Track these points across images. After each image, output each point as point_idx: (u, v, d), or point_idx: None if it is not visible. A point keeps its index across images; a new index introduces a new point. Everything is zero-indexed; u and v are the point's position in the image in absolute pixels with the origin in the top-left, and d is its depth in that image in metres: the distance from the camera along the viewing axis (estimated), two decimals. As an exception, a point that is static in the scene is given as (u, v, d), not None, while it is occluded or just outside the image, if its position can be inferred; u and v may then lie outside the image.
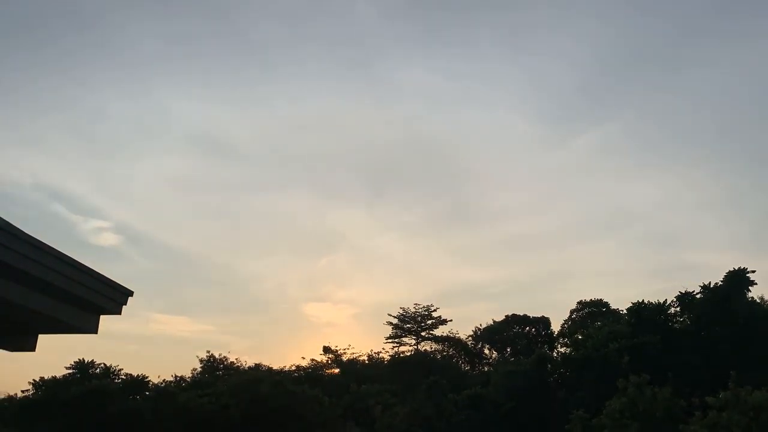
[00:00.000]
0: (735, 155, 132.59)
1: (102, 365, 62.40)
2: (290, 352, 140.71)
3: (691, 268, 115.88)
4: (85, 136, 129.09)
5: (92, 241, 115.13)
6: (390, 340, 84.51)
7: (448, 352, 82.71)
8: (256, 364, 67.19)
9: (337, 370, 73.15)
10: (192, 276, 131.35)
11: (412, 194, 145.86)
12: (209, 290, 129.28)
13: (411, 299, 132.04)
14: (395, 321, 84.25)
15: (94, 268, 5.86)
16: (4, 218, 4.82)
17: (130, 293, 6.38)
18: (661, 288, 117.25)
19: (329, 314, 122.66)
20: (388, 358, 79.12)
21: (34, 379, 57.21)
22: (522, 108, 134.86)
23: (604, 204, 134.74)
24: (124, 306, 6.41)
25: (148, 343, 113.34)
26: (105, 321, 6.46)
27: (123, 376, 61.46)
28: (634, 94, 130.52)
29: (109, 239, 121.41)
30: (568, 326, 78.17)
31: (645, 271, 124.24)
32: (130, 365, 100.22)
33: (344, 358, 75.10)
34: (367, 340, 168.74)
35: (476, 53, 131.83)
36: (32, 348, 6.61)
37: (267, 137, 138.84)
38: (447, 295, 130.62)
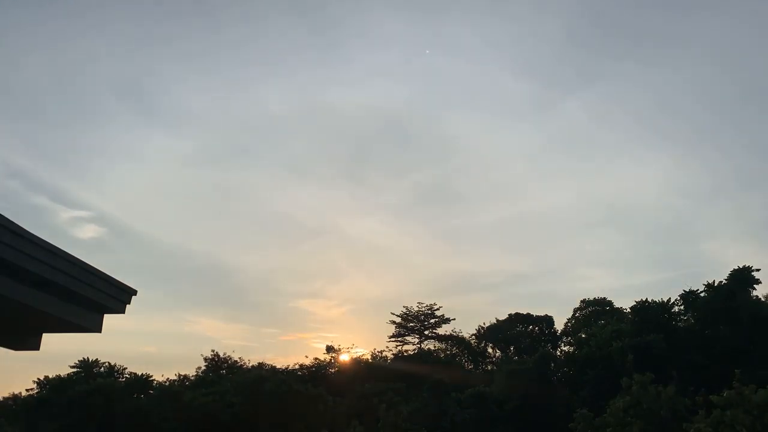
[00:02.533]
0: (739, 135, 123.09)
1: (106, 364, 62.58)
2: (282, 347, 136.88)
3: (698, 255, 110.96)
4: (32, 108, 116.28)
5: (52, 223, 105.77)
6: (393, 339, 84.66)
7: (451, 350, 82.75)
8: (259, 363, 67.38)
9: (344, 360, 73.26)
10: (176, 268, 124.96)
11: (392, 169, 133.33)
12: (197, 284, 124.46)
13: (402, 290, 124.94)
14: (398, 320, 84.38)
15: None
16: None
17: (134, 292, 6.40)
18: (666, 277, 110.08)
19: (320, 310, 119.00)
20: (392, 357, 79.21)
21: (38, 378, 57.48)
22: (507, 62, 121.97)
23: (603, 183, 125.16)
24: (127, 305, 6.44)
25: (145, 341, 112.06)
26: (107, 318, 6.50)
27: (127, 375, 61.62)
28: (620, 62, 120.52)
29: (85, 228, 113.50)
30: (572, 325, 78.16)
31: (649, 259, 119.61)
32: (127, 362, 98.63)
33: (348, 357, 75.22)
34: (359, 335, 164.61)
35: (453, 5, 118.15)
36: (36, 347, 6.64)
37: (224, 108, 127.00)
38: (441, 285, 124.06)
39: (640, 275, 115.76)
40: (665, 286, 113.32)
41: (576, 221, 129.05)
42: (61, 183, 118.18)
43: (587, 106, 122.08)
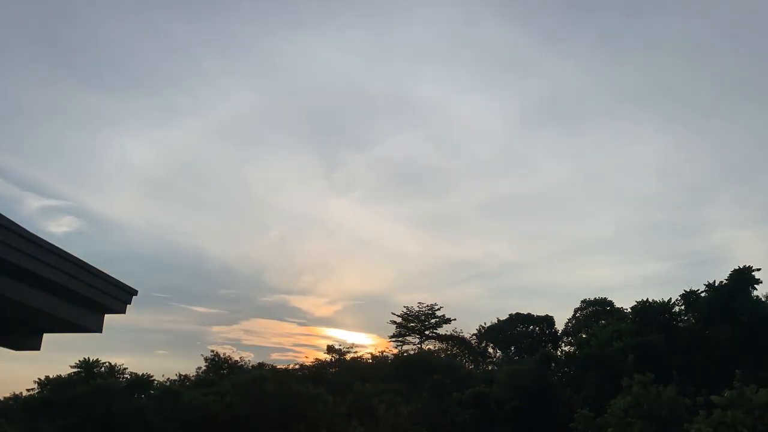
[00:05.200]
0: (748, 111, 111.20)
1: (107, 364, 62.57)
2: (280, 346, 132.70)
3: (703, 243, 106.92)
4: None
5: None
6: (394, 339, 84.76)
7: (452, 350, 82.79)
8: (260, 363, 67.44)
9: (344, 360, 73.12)
10: (157, 261, 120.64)
11: (356, 140, 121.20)
12: (183, 279, 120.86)
13: (393, 285, 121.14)
14: (399, 320, 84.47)
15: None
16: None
17: (135, 292, 6.40)
18: (670, 267, 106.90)
19: (312, 308, 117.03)
20: (392, 357, 79.23)
21: (39, 378, 57.47)
22: (486, 5, 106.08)
23: (598, 162, 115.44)
24: (128, 305, 6.44)
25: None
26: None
27: (128, 375, 61.62)
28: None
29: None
30: (572, 325, 78.19)
31: (651, 247, 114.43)
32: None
33: (348, 357, 75.24)
34: (357, 335, 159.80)
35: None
36: (37, 347, 6.63)
37: (163, 68, 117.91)
38: (432, 277, 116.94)
39: (642, 264, 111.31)
40: (669, 276, 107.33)
41: (571, 204, 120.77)
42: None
43: (579, 73, 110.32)
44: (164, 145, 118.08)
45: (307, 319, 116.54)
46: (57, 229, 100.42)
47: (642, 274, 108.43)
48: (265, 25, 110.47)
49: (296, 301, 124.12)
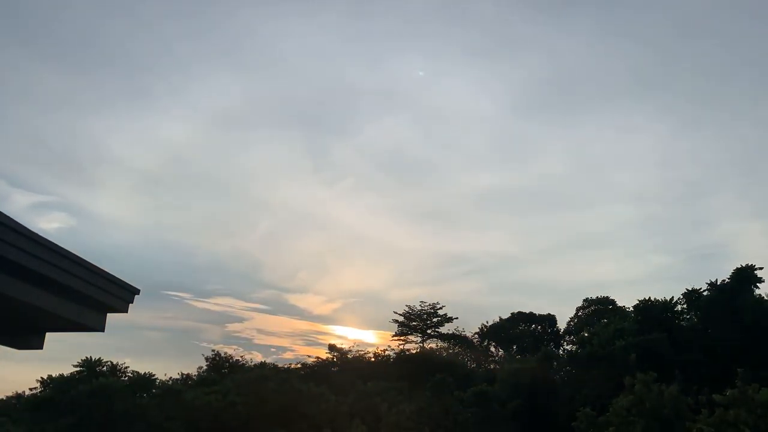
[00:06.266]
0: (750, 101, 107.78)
1: (109, 363, 62.64)
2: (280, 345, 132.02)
3: (705, 237, 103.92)
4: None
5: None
6: (396, 338, 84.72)
7: (454, 349, 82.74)
8: (262, 362, 67.50)
9: (346, 358, 73.02)
10: (145, 256, 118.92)
11: (340, 127, 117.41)
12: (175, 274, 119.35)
13: (384, 280, 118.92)
14: (401, 319, 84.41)
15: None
16: None
17: (137, 291, 6.39)
18: (670, 262, 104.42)
19: (310, 307, 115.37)
20: (394, 355, 79.20)
21: (42, 377, 57.55)
22: None
23: (595, 152, 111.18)
24: (130, 304, 6.43)
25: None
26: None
27: (130, 374, 61.69)
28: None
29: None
30: (575, 324, 78.10)
31: (651, 241, 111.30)
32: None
33: (349, 356, 75.19)
34: (357, 333, 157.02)
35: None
36: (39, 346, 6.63)
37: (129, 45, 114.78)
38: (425, 272, 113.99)
39: (643, 259, 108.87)
40: (671, 271, 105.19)
41: (570, 197, 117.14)
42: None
43: (576, 60, 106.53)
44: (152, 139, 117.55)
45: (304, 317, 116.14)
46: (47, 225, 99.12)
47: (644, 268, 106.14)
48: (244, 10, 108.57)
49: (294, 299, 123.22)
